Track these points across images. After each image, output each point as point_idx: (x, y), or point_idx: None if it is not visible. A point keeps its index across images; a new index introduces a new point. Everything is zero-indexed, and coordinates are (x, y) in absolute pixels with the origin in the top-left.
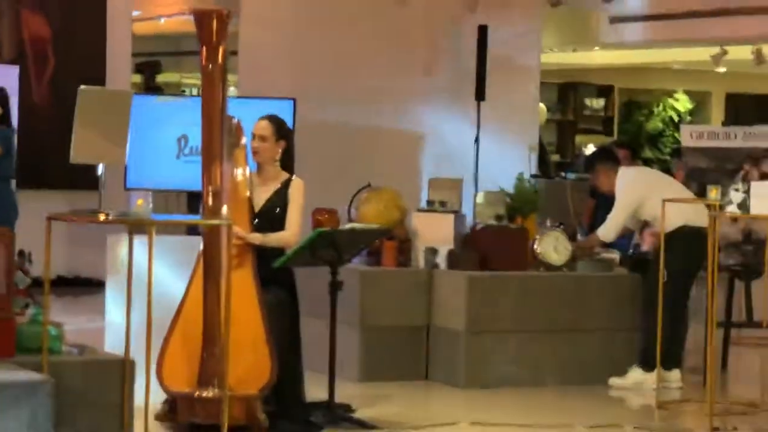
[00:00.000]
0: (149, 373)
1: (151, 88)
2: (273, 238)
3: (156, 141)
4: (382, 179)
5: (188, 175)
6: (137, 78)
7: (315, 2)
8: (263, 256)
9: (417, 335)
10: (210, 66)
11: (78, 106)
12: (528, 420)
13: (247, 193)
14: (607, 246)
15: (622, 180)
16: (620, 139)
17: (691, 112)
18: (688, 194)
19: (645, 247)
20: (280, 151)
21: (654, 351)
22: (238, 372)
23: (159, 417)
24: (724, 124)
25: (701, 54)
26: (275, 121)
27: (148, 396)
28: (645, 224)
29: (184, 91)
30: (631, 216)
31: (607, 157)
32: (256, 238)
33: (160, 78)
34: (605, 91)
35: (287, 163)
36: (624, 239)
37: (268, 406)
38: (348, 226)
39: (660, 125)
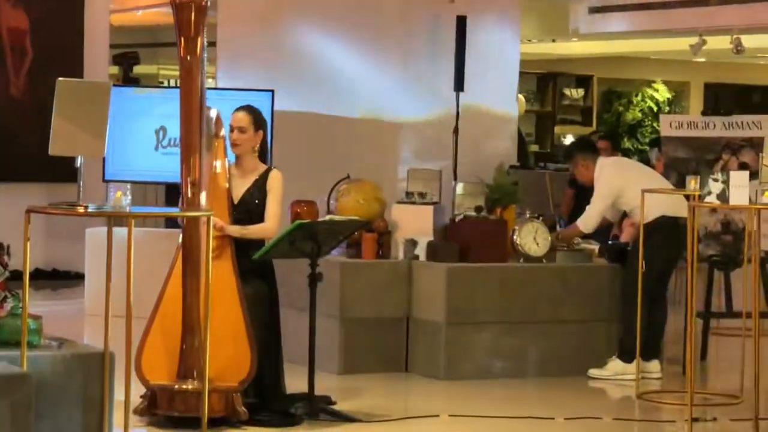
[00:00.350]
0: (129, 366)
1: (128, 79)
2: (252, 230)
3: (134, 133)
4: (361, 171)
5: (166, 167)
6: (115, 70)
7: None
8: (243, 248)
9: (397, 327)
10: (188, 57)
11: (56, 97)
12: (508, 412)
13: (226, 185)
14: (587, 237)
15: (600, 171)
16: (601, 131)
17: (670, 102)
18: (667, 185)
19: (624, 237)
20: (258, 142)
21: (633, 342)
22: (218, 364)
23: (138, 410)
24: (703, 113)
25: (680, 44)
26: (252, 112)
27: (128, 389)
28: (624, 215)
29: (162, 83)
30: (609, 207)
31: (585, 148)
32: (236, 230)
33: (138, 70)
34: (584, 82)
35: (263, 153)
36: (603, 230)
37: (248, 398)
38: (327, 217)
39: (639, 115)
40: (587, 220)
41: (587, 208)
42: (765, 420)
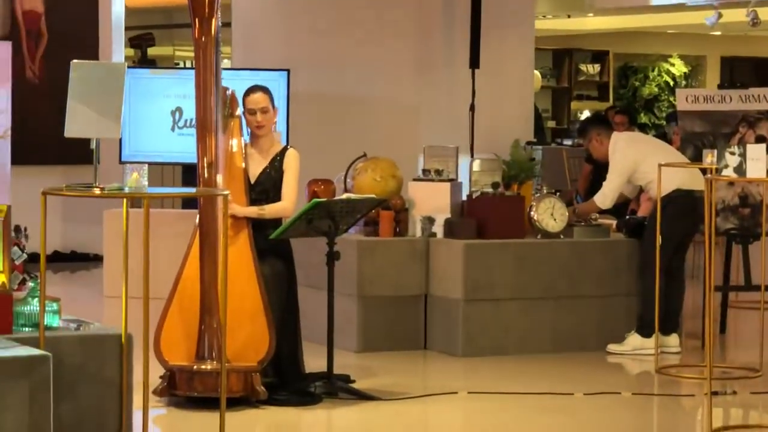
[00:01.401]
0: (147, 347)
1: (144, 61)
2: (269, 210)
3: (150, 114)
4: (377, 149)
5: (183, 148)
6: (130, 51)
7: None
8: (260, 228)
9: (415, 305)
10: (203, 38)
11: (71, 80)
12: (526, 388)
13: (243, 165)
14: (604, 212)
15: (614, 146)
16: (618, 105)
17: (686, 76)
18: (682, 158)
19: (641, 212)
20: (275, 120)
21: (652, 316)
22: (237, 344)
23: (158, 391)
24: (720, 87)
25: (696, 17)
26: (267, 91)
27: (146, 370)
28: (641, 190)
29: (177, 64)
30: (625, 182)
31: (599, 123)
32: (253, 211)
33: (153, 51)
34: (600, 57)
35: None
36: (620, 205)
37: (267, 377)
38: (344, 196)
39: (655, 90)
40: (605, 196)
41: (603, 184)
42: None
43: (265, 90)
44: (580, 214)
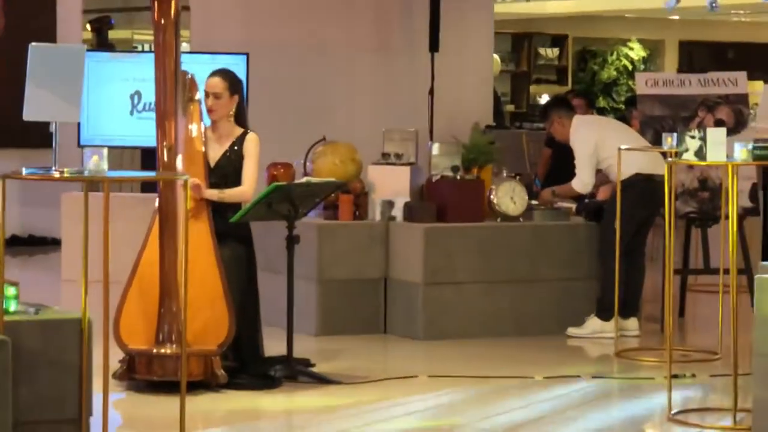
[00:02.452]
0: (107, 331)
1: (102, 44)
2: (230, 194)
3: (109, 98)
4: (337, 133)
5: (142, 132)
6: (88, 35)
7: None
8: (219, 211)
9: (374, 288)
10: (162, 21)
11: (29, 63)
12: (486, 371)
13: (202, 149)
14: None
15: (575, 129)
16: (576, 89)
17: (644, 61)
18: (643, 142)
19: (600, 196)
20: (234, 106)
21: (611, 300)
22: (196, 328)
23: (117, 375)
24: (679, 71)
25: (654, 1)
26: (227, 76)
27: (106, 354)
28: (599, 172)
29: (136, 48)
30: (596, 163)
31: (561, 105)
32: (213, 194)
33: (112, 34)
34: (559, 41)
35: (240, 117)
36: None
37: (227, 361)
38: (304, 179)
39: (614, 74)
40: (582, 181)
41: (576, 170)
42: (743, 376)
43: (223, 75)
44: (559, 194)
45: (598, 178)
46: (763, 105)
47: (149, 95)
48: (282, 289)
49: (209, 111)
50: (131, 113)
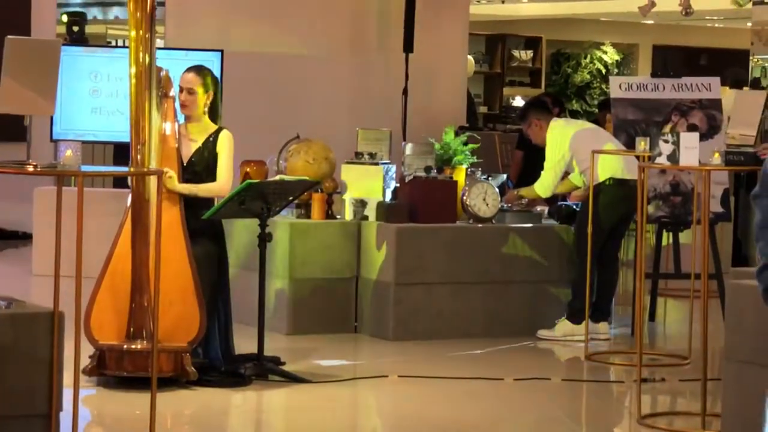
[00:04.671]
0: (79, 327)
1: (77, 39)
2: (203, 189)
3: (83, 92)
4: (311, 131)
5: (115, 127)
6: (63, 29)
7: None
8: (192, 208)
9: (346, 288)
10: (138, 14)
11: (5, 56)
12: (457, 372)
13: (176, 145)
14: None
15: (551, 132)
16: (547, 92)
17: (618, 64)
18: (618, 145)
19: (572, 198)
20: (208, 102)
21: (582, 303)
22: (167, 324)
23: (87, 371)
24: (653, 75)
25: (629, 5)
26: (202, 73)
27: (78, 349)
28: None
29: (110, 43)
30: (564, 169)
31: (540, 108)
32: (186, 188)
33: (86, 29)
34: (533, 43)
35: (214, 114)
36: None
37: (197, 358)
38: (277, 177)
39: (587, 77)
40: (545, 188)
41: (542, 174)
42: (713, 381)
43: (198, 71)
44: (524, 196)
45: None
46: (736, 111)
47: (123, 91)
48: (253, 287)
49: (183, 106)
50: (104, 109)
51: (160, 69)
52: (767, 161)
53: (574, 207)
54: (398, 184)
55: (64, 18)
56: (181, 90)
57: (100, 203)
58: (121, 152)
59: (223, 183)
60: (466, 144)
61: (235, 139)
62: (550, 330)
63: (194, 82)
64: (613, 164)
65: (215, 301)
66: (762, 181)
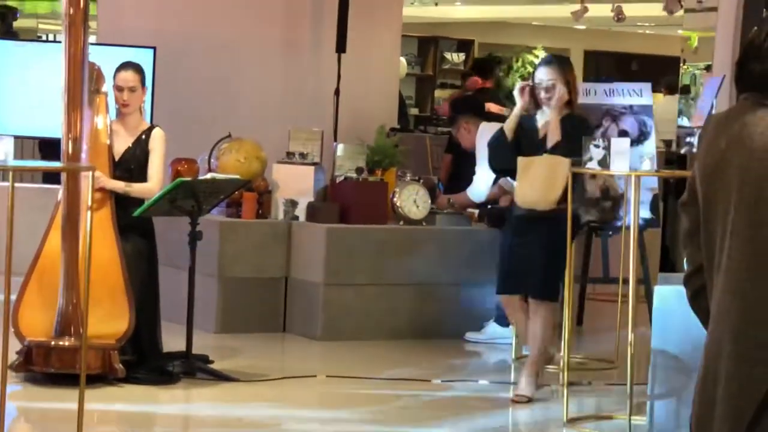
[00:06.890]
0: (8, 323)
1: (7, 33)
2: (136, 189)
3: (13, 87)
4: (243, 130)
5: (43, 122)
6: None
7: None
8: (122, 205)
9: (275, 287)
10: (72, 10)
11: None
12: (385, 373)
13: (107, 141)
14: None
15: (481, 137)
16: (475, 59)
17: None
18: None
19: (503, 202)
20: (144, 98)
21: None
22: (96, 321)
23: (14, 367)
24: (585, 80)
25: (561, 10)
26: (140, 70)
27: (6, 345)
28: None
29: (40, 37)
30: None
31: (470, 110)
32: (119, 186)
33: (16, 24)
34: (465, 46)
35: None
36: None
37: (125, 355)
38: (209, 176)
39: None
40: (476, 192)
41: (474, 178)
42: (639, 385)
43: (136, 69)
44: (458, 206)
45: (500, 187)
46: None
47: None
48: (183, 285)
49: (124, 105)
50: (35, 103)
51: (92, 64)
52: (695, 168)
53: (504, 210)
54: (329, 185)
55: None
56: (121, 89)
57: (28, 199)
58: (47, 148)
59: (155, 183)
60: (396, 146)
61: (167, 137)
62: (478, 332)
63: (135, 79)
64: None
65: (144, 299)
66: (690, 189)
